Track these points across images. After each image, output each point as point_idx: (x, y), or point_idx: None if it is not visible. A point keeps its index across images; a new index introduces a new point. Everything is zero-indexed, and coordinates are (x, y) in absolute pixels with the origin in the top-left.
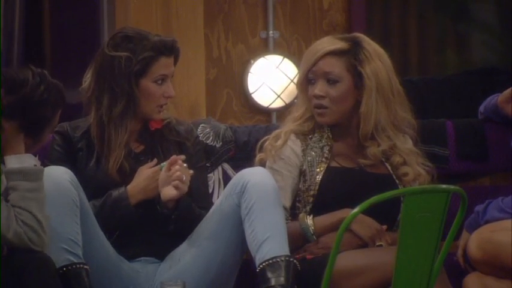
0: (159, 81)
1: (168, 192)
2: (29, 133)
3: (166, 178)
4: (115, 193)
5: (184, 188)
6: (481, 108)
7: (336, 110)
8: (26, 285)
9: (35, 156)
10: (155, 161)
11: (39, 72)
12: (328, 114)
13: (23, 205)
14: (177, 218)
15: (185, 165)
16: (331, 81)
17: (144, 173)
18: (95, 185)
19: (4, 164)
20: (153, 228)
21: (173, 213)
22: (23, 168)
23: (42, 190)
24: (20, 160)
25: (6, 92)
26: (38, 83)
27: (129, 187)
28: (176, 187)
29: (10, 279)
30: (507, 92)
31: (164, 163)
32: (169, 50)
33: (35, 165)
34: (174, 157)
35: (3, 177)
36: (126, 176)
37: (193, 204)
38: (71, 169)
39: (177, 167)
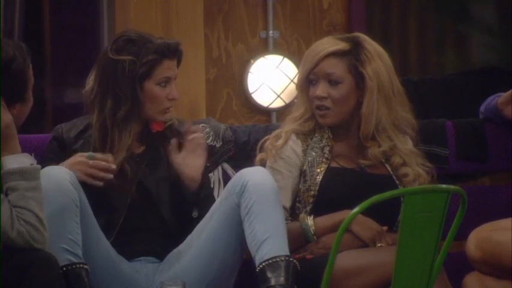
0: (163, 84)
1: (195, 163)
2: (17, 99)
3: (182, 156)
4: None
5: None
6: (482, 108)
7: (338, 111)
8: (30, 284)
9: (30, 155)
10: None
11: (5, 41)
12: (330, 115)
13: (24, 204)
14: (204, 199)
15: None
16: (333, 82)
17: (73, 158)
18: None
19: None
20: (153, 228)
21: (200, 193)
22: (22, 168)
23: (41, 189)
24: (18, 160)
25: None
26: (16, 54)
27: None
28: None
29: (13, 279)
30: (507, 94)
31: (92, 153)
32: (173, 52)
33: (32, 164)
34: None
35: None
36: (127, 177)
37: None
38: None
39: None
